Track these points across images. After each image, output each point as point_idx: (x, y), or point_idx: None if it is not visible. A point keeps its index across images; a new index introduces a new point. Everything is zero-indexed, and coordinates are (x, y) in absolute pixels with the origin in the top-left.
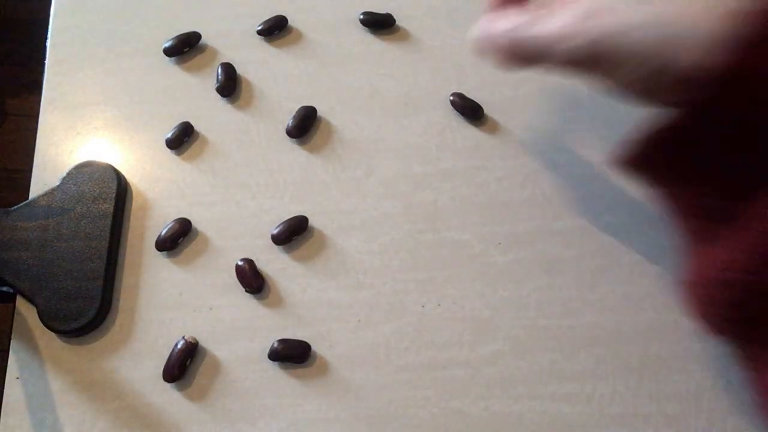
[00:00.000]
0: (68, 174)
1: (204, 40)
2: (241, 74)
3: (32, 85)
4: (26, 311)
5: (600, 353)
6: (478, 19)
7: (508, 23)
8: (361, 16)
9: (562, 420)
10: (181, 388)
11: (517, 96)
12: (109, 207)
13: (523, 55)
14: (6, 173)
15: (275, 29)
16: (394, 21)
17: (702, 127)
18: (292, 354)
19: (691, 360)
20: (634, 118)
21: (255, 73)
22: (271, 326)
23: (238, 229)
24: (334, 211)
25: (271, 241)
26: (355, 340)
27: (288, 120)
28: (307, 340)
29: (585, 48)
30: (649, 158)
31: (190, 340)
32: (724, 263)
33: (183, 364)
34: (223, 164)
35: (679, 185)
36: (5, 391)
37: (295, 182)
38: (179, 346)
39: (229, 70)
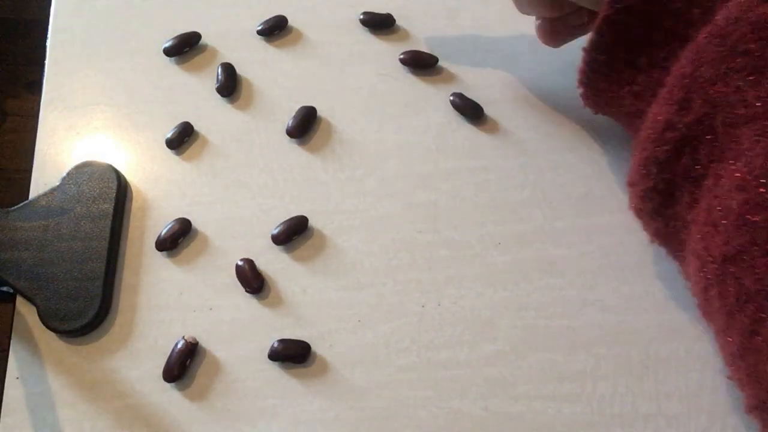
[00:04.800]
0: (68, 174)
1: (204, 40)
2: (241, 74)
3: (32, 85)
4: (26, 311)
5: (600, 353)
6: (477, 20)
7: None
8: (361, 16)
9: (562, 420)
10: (181, 388)
11: (517, 96)
12: (109, 207)
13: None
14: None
15: (275, 29)
16: (394, 21)
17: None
18: (292, 354)
19: (691, 360)
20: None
21: (255, 73)
22: (271, 326)
23: (238, 229)
24: (334, 211)
25: (271, 241)
26: (355, 340)
27: (288, 120)
28: (307, 340)
29: None
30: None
31: (190, 340)
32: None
33: (183, 364)
34: (223, 164)
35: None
36: (5, 391)
37: (295, 182)
38: (179, 346)
39: (229, 70)
